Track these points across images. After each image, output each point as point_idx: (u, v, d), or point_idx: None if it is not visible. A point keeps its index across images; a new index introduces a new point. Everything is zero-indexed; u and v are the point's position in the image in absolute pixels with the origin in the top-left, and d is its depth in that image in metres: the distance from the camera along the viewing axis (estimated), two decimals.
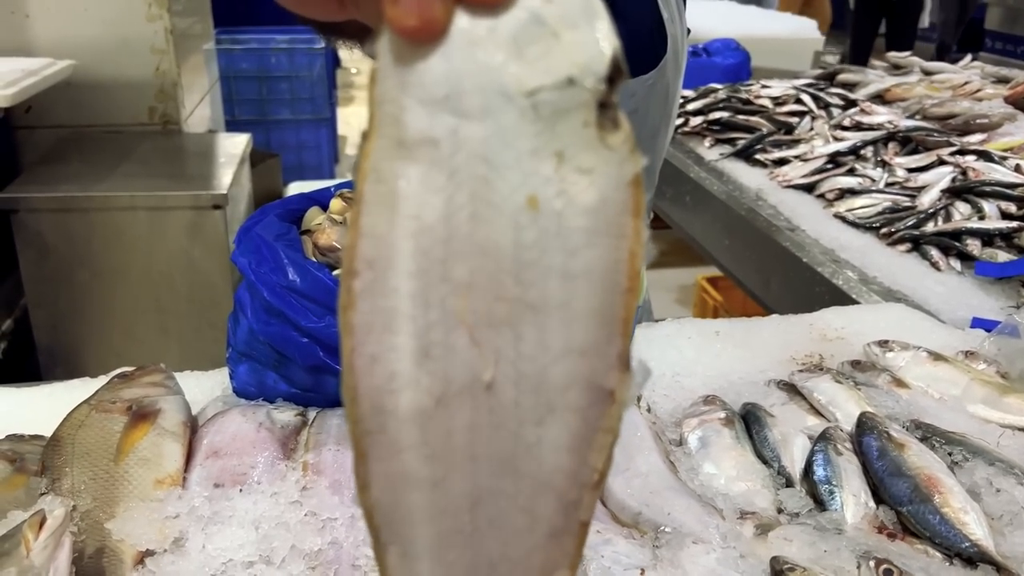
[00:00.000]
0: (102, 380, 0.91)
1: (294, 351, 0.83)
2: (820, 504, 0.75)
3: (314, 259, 0.84)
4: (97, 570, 0.62)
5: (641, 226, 0.31)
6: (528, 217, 0.31)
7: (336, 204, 0.95)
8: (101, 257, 2.24)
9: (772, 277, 1.69)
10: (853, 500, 0.74)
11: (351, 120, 6.81)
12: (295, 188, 3.60)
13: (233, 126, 4.20)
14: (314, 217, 0.95)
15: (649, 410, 0.93)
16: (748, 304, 2.12)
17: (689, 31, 1.31)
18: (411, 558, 0.34)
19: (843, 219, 1.70)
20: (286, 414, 0.81)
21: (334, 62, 5.85)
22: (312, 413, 0.83)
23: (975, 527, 0.70)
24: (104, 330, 2.28)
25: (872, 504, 0.75)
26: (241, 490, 0.72)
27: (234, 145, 2.63)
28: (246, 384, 0.89)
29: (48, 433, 0.78)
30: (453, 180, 0.31)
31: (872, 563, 0.64)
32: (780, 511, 0.75)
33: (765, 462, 0.82)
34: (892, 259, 1.54)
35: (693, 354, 1.11)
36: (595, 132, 0.30)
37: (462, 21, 0.29)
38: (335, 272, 0.81)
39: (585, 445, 0.32)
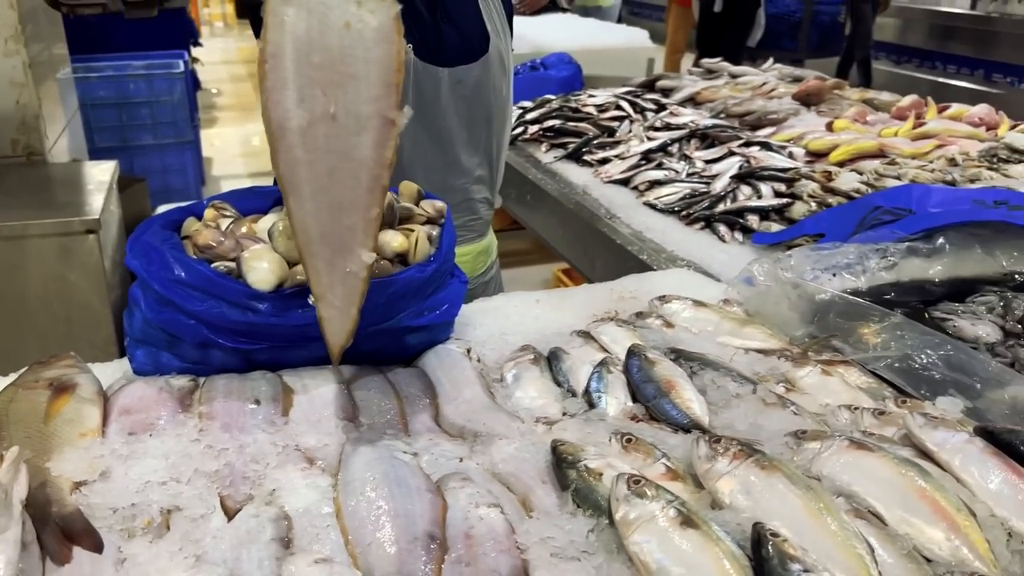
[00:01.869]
0: (13, 376, 1.08)
1: (184, 331, 1.03)
2: (592, 407, 1.02)
3: (195, 256, 1.05)
4: (44, 497, 0.81)
5: (401, 39, 0.74)
6: (346, 32, 0.71)
7: (209, 213, 1.16)
8: None
9: (596, 258, 1.99)
10: (615, 401, 1.02)
11: (215, 141, 6.81)
12: (164, 211, 3.68)
13: (95, 154, 4.20)
14: (191, 225, 1.15)
15: (479, 360, 1.18)
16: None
17: (513, 50, 1.65)
18: (300, 200, 0.78)
19: (652, 206, 2.01)
20: (181, 380, 1.02)
21: (194, 85, 5.87)
22: (202, 379, 1.04)
23: (696, 409, 0.98)
24: None
25: (630, 403, 1.03)
26: (151, 435, 0.92)
27: (101, 172, 2.73)
28: (143, 365, 1.09)
29: None
30: (310, 14, 0.70)
31: (618, 436, 0.91)
32: (564, 414, 1.02)
33: (559, 385, 1.09)
34: (687, 235, 1.86)
35: (517, 318, 1.37)
36: None
37: None
38: (213, 265, 1.02)
39: (381, 145, 0.75)
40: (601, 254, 1.97)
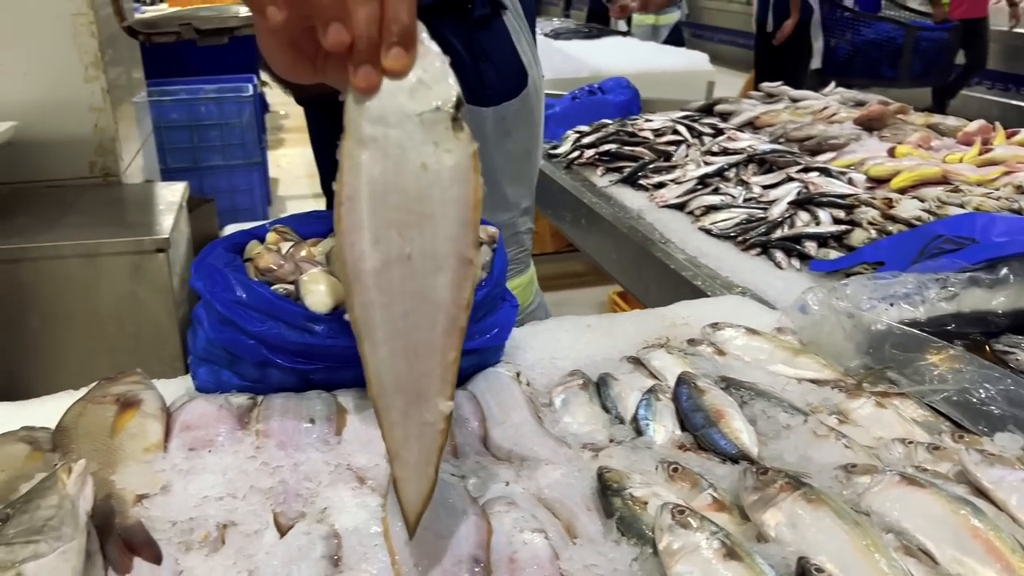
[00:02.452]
0: (83, 391, 1.14)
1: (244, 351, 1.07)
2: (640, 434, 1.02)
3: (255, 279, 1.09)
4: (108, 508, 0.85)
5: (478, 177, 0.71)
6: (422, 172, 0.68)
7: (271, 236, 1.20)
8: (51, 303, 2.41)
9: (650, 283, 1.99)
10: (663, 429, 1.02)
11: (281, 162, 7.00)
12: (231, 230, 3.79)
13: (167, 174, 4.37)
14: (254, 248, 1.19)
15: (528, 384, 1.19)
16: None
17: (543, 76, 1.67)
18: (375, 345, 0.72)
19: (707, 231, 2.01)
20: (240, 398, 1.05)
21: (263, 107, 6.06)
22: (260, 398, 1.08)
23: (744, 439, 0.98)
24: (58, 372, 2.45)
25: (678, 432, 1.02)
26: (210, 451, 0.95)
27: (172, 193, 2.83)
28: (206, 382, 1.13)
29: (52, 426, 1.00)
30: (386, 156, 0.68)
31: (665, 464, 0.91)
32: (611, 441, 1.02)
33: (607, 411, 1.10)
34: (743, 261, 1.85)
35: (568, 343, 1.38)
36: (451, 131, 0.69)
37: (386, 82, 0.67)
38: (273, 288, 1.06)
39: (458, 285, 0.71)
40: (655, 279, 1.96)
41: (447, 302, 0.71)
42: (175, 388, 1.18)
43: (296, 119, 8.50)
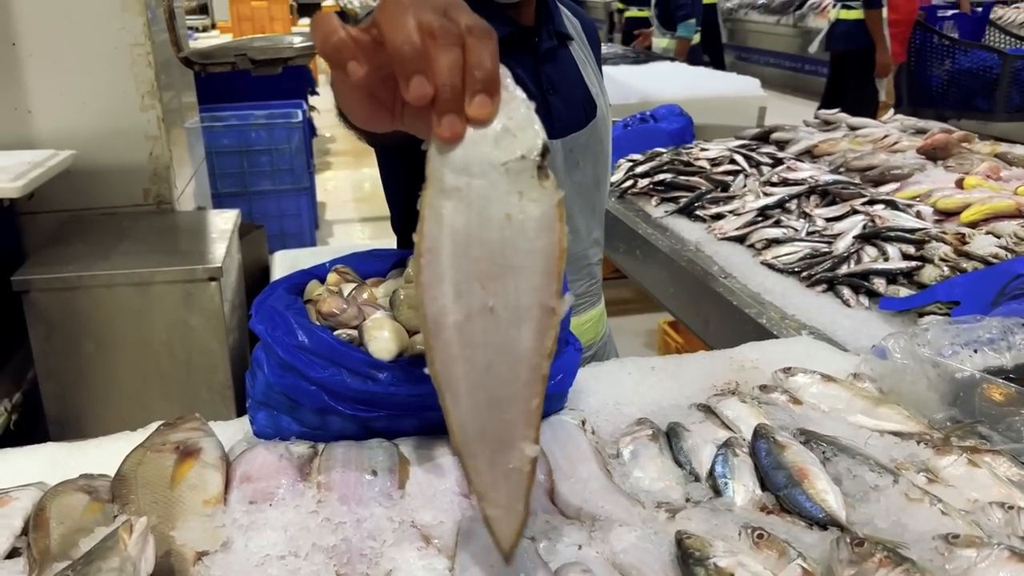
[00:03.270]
0: (141, 433, 1.12)
1: (304, 397, 1.04)
2: (718, 493, 0.97)
3: (318, 323, 1.06)
4: (168, 567, 0.82)
5: (563, 226, 0.67)
6: (507, 223, 0.65)
7: (332, 277, 1.18)
8: (105, 330, 2.43)
9: (710, 319, 1.93)
10: (743, 489, 0.96)
11: (328, 186, 7.06)
12: (280, 257, 3.82)
13: (218, 199, 4.43)
14: (314, 289, 1.17)
15: (593, 432, 1.14)
16: (701, 344, 2.36)
17: (610, 104, 1.63)
18: (457, 398, 0.70)
19: (770, 266, 1.95)
20: (300, 447, 1.02)
21: (311, 132, 6.12)
22: (321, 446, 1.04)
23: (832, 502, 0.92)
24: (110, 397, 2.47)
25: (759, 492, 0.97)
26: (271, 505, 0.92)
27: (224, 221, 2.85)
28: (264, 427, 1.10)
29: (110, 473, 0.98)
30: (469, 207, 0.65)
31: (749, 530, 0.86)
32: (688, 500, 0.97)
33: (680, 465, 1.04)
34: (809, 299, 1.78)
35: (632, 386, 1.33)
36: (537, 180, 0.65)
37: (470, 131, 0.64)
38: (335, 332, 1.03)
39: (542, 335, 0.68)
40: (715, 314, 1.91)
41: (530, 353, 0.69)
42: (232, 432, 1.16)
43: (343, 142, 8.59)
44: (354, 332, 1.03)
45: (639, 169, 2.65)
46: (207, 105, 5.09)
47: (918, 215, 2.07)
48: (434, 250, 0.65)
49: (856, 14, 6.00)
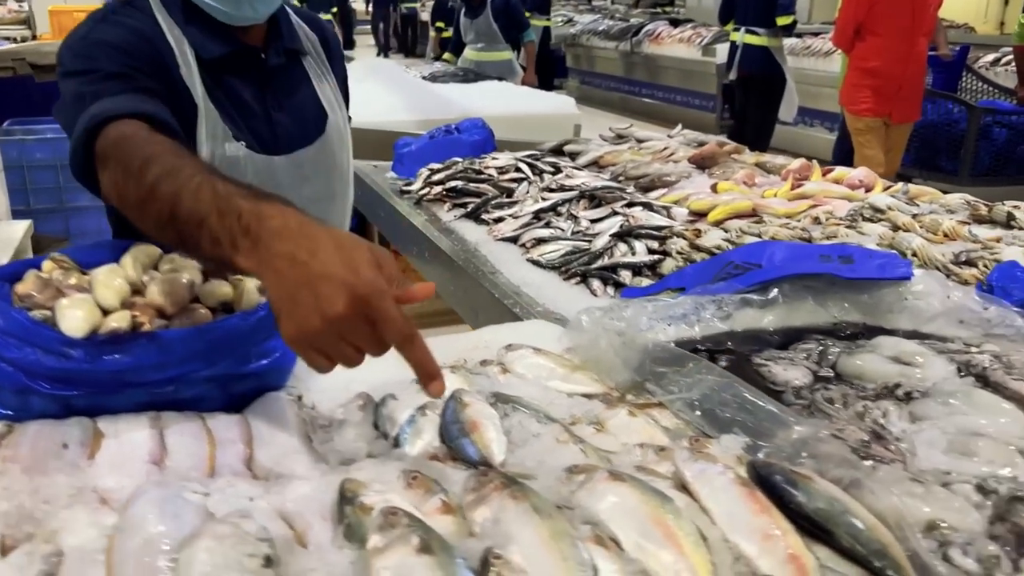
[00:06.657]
0: None
1: (2, 378, 1.07)
2: (398, 447, 1.07)
3: (18, 305, 1.09)
4: None
5: None
6: None
7: (47, 265, 1.20)
8: None
9: (480, 311, 2.05)
10: (420, 442, 1.07)
11: None
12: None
13: (30, 215, 4.21)
14: (29, 277, 1.19)
15: (313, 407, 1.22)
16: None
17: (351, 118, 1.71)
18: None
19: (535, 262, 2.09)
20: None
21: None
22: (17, 425, 1.07)
23: (493, 447, 1.03)
24: None
25: (436, 443, 1.07)
26: None
27: (12, 231, 2.76)
28: None
29: None
30: None
31: (405, 473, 0.95)
32: (368, 455, 1.06)
33: (376, 427, 1.13)
34: (563, 290, 1.93)
35: (366, 368, 1.40)
36: None
37: None
38: (31, 313, 1.06)
39: None
40: (483, 306, 2.03)
41: None
42: None
43: None
44: (49, 312, 1.06)
45: (435, 177, 2.76)
46: (20, 119, 4.88)
47: (669, 215, 2.27)
48: None
49: (761, 40, 6.43)
